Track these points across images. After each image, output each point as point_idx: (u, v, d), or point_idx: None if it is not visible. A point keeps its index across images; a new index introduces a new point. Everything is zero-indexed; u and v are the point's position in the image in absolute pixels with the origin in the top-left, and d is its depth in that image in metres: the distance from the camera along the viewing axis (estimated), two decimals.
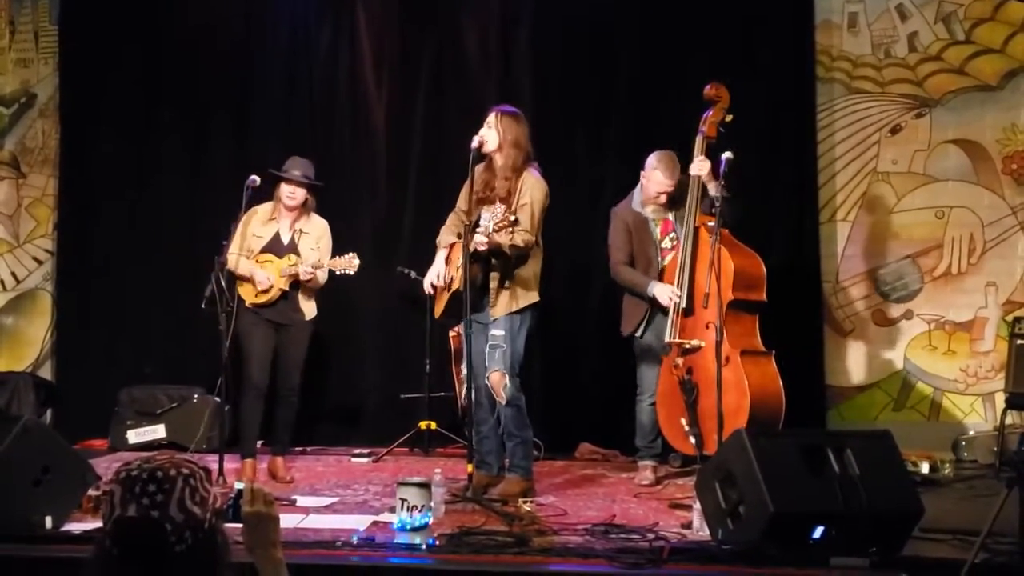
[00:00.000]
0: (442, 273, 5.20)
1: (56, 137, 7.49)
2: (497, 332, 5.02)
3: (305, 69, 7.19)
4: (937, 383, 6.69)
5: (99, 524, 1.98)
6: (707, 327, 5.23)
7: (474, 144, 5.02)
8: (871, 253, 6.78)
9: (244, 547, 2.16)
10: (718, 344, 5.05)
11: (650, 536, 4.12)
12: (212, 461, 5.18)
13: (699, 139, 5.49)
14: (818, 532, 3.74)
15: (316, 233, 5.75)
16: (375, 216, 7.04)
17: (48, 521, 4.16)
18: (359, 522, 4.45)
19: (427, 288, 5.40)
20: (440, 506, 4.52)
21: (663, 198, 5.53)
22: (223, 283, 5.39)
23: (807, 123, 6.74)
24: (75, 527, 4.23)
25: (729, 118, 5.49)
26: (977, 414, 6.61)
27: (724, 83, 5.56)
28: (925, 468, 5.62)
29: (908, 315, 6.74)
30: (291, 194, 5.67)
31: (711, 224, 5.25)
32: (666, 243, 5.62)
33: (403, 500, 4.10)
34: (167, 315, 7.07)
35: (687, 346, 5.33)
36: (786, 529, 3.71)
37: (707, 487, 4.04)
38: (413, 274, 6.52)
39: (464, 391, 5.54)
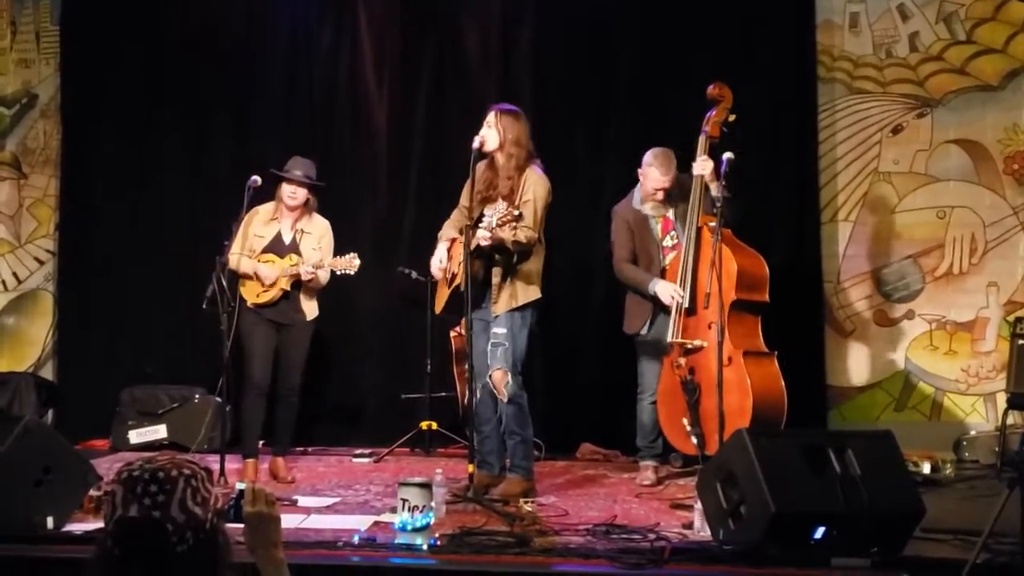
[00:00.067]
0: (443, 259, 5.20)
1: (57, 137, 7.50)
2: (499, 330, 5.02)
3: (306, 69, 7.19)
4: (938, 383, 6.68)
5: (100, 524, 1.98)
6: (709, 327, 5.22)
7: (475, 144, 5.02)
8: (872, 253, 6.78)
9: (245, 547, 2.16)
10: (720, 344, 5.05)
11: (651, 536, 4.12)
12: (213, 461, 5.18)
13: (702, 138, 5.49)
14: (819, 532, 3.74)
15: (318, 233, 5.75)
16: (376, 216, 7.05)
17: (49, 521, 4.16)
18: (360, 522, 4.45)
19: (434, 272, 5.37)
20: (441, 506, 4.52)
21: (660, 194, 5.53)
22: (224, 283, 5.40)
23: (808, 123, 6.74)
24: (76, 527, 4.23)
25: (732, 118, 5.49)
26: (978, 414, 6.60)
27: (727, 83, 5.56)
28: (926, 468, 5.62)
29: (909, 315, 6.74)
30: (292, 194, 5.67)
31: (713, 224, 5.25)
32: (667, 241, 5.63)
33: (404, 500, 4.09)
34: (168, 315, 7.07)
35: (689, 346, 5.33)
36: (787, 529, 3.71)
37: (708, 487, 4.04)
38: (414, 274, 6.53)
39: (466, 391, 5.53)
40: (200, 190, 7.17)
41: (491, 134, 5.06)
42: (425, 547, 3.96)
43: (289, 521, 4.22)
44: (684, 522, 4.42)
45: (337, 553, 3.91)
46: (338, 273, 5.65)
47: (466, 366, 5.21)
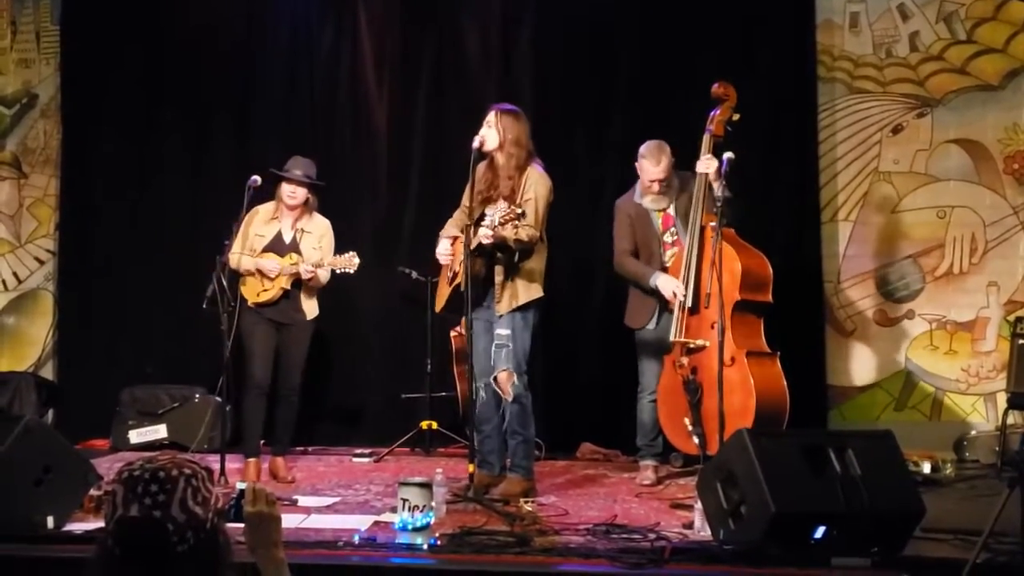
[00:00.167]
0: (447, 250, 5.19)
1: (58, 137, 7.50)
2: (502, 331, 5.02)
3: (306, 69, 7.20)
4: (939, 383, 6.68)
5: (101, 524, 1.98)
6: (712, 327, 5.22)
7: (475, 144, 5.02)
8: (873, 253, 6.78)
9: (246, 547, 2.16)
10: (720, 344, 5.05)
11: (652, 536, 4.12)
12: (213, 461, 5.19)
13: (706, 137, 5.49)
14: (819, 532, 3.74)
15: (318, 232, 5.76)
16: (376, 216, 7.05)
17: (50, 521, 4.16)
18: (360, 522, 4.45)
19: (440, 259, 5.35)
20: (441, 506, 4.52)
21: (655, 186, 5.53)
22: (224, 283, 5.40)
23: (808, 123, 6.74)
24: (77, 527, 4.23)
25: (736, 117, 5.49)
26: (979, 414, 6.60)
27: (731, 81, 5.56)
28: (927, 468, 5.61)
29: (910, 315, 6.74)
30: (292, 193, 5.67)
31: (714, 224, 5.25)
32: (667, 237, 5.63)
33: (404, 500, 4.10)
34: (168, 315, 7.07)
35: (692, 345, 5.33)
36: (788, 529, 3.71)
37: (708, 487, 4.04)
38: (414, 274, 6.54)
39: (466, 391, 5.53)
40: (200, 190, 7.18)
41: (491, 134, 5.06)
42: (425, 547, 3.96)
43: (289, 521, 4.22)
44: (684, 522, 4.41)
45: (337, 553, 3.91)
46: (338, 272, 5.65)
47: (466, 366, 5.21)
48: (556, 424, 6.33)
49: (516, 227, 4.84)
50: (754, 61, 6.64)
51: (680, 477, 5.67)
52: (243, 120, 7.21)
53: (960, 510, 4.66)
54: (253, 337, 5.64)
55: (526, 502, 4.91)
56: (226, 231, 5.57)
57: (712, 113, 5.51)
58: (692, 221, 5.43)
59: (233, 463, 5.55)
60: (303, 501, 4.95)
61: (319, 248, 5.71)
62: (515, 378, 5.00)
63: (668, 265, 5.57)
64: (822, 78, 6.80)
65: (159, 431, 6.70)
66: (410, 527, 4.01)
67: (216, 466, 5.21)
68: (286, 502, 4.79)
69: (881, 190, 6.78)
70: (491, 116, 5.09)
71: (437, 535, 4.07)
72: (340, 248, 5.72)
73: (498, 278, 5.03)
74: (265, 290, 5.64)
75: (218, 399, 5.92)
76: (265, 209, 5.76)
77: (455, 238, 5.20)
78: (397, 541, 4.02)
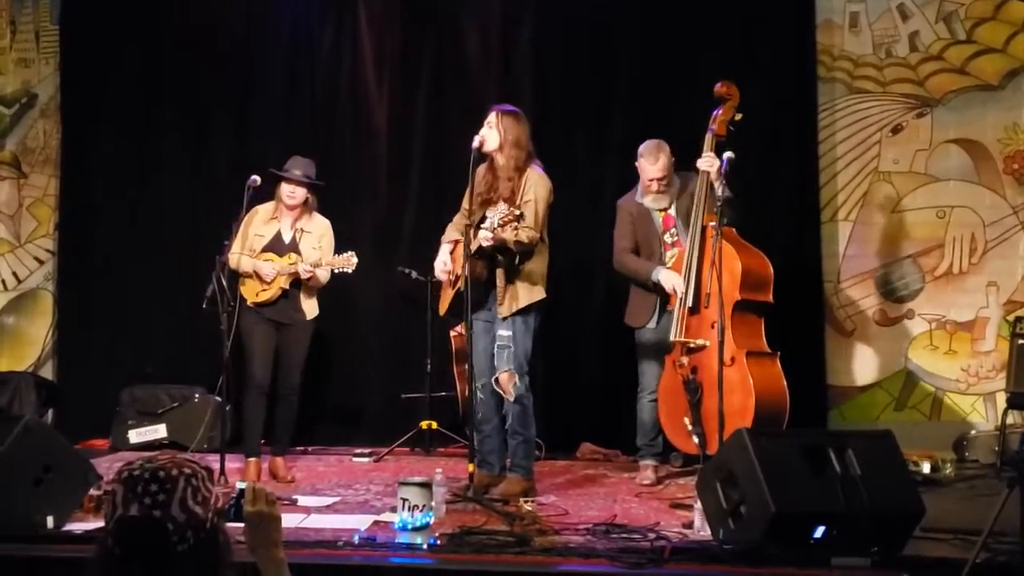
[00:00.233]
0: (447, 261, 5.19)
1: (57, 137, 7.50)
2: (504, 332, 5.02)
3: (306, 68, 7.20)
4: (938, 383, 6.68)
5: (101, 524, 1.98)
6: (712, 327, 5.22)
7: (475, 144, 5.02)
8: (872, 253, 6.78)
9: (246, 547, 2.16)
10: (720, 344, 5.05)
11: (651, 536, 4.12)
12: (213, 461, 5.19)
13: (708, 137, 5.49)
14: (819, 532, 3.74)
15: (318, 232, 5.76)
16: (376, 216, 7.05)
17: (49, 521, 4.16)
18: (360, 522, 4.45)
19: (438, 275, 5.36)
20: (441, 506, 4.52)
21: (654, 185, 5.54)
22: (224, 283, 5.40)
23: (808, 123, 6.74)
24: (76, 527, 4.23)
25: (739, 116, 5.49)
26: (978, 414, 6.60)
27: (734, 81, 5.56)
28: (926, 468, 5.61)
29: (909, 315, 6.74)
30: (291, 193, 5.67)
31: (714, 224, 5.24)
32: (667, 238, 5.62)
33: (404, 500, 4.10)
34: (168, 315, 7.07)
35: (692, 345, 5.33)
36: (787, 529, 3.71)
37: (708, 487, 4.04)
38: (414, 274, 6.54)
39: (467, 391, 5.53)
40: (200, 190, 7.17)
41: (491, 134, 5.06)
42: (425, 546, 3.96)
43: (289, 521, 4.22)
44: (684, 522, 4.41)
45: (337, 553, 3.91)
46: (336, 271, 5.65)
47: (466, 366, 5.21)
48: (556, 424, 6.33)
49: (516, 229, 4.84)
50: (754, 61, 6.63)
51: (680, 477, 5.67)
52: (243, 119, 7.21)
53: (960, 510, 4.66)
54: (253, 337, 5.65)
55: (526, 502, 4.91)
56: (226, 231, 5.58)
57: (714, 112, 5.51)
58: (693, 221, 5.43)
59: (233, 463, 5.56)
60: (303, 501, 4.95)
61: (318, 248, 5.71)
62: (517, 379, 5.00)
63: (669, 266, 5.57)
64: (822, 78, 6.80)
65: (159, 431, 6.70)
66: (410, 527, 4.01)
67: (216, 466, 5.21)
68: (286, 502, 4.79)
69: (881, 190, 6.78)
70: (492, 117, 5.09)
71: (437, 535, 4.07)
72: (340, 248, 5.72)
73: (500, 281, 5.02)
74: (264, 290, 5.64)
75: (218, 399, 5.92)
76: (265, 209, 5.76)
77: (456, 242, 5.19)
78: (397, 541, 4.02)
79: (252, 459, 5.63)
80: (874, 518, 3.76)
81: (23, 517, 4.08)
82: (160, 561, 1.85)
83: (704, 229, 5.39)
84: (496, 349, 5.03)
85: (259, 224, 5.73)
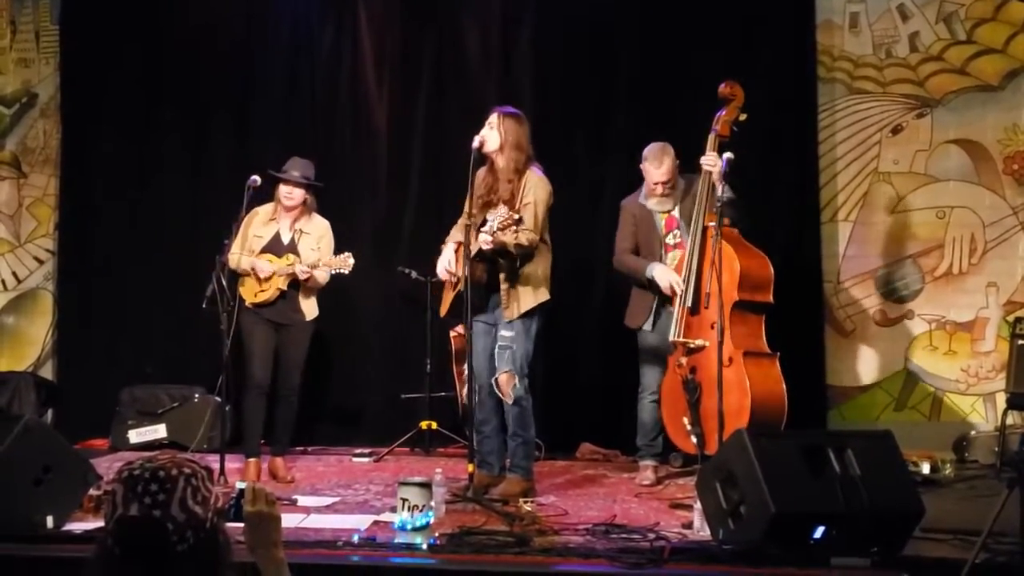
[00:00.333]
0: (452, 260, 5.19)
1: (57, 137, 7.50)
2: (507, 333, 5.02)
3: (306, 68, 7.20)
4: (938, 383, 6.68)
5: (100, 524, 1.98)
6: (711, 327, 5.22)
7: (475, 144, 5.02)
8: (872, 253, 6.78)
9: (246, 547, 2.16)
10: (720, 344, 5.05)
11: (651, 536, 4.12)
12: (213, 461, 5.18)
13: (712, 137, 5.48)
14: (819, 532, 3.74)
15: (317, 233, 5.75)
16: (375, 216, 7.05)
17: (49, 521, 4.16)
18: (360, 522, 4.45)
19: (441, 275, 5.37)
20: (441, 506, 4.52)
21: (659, 188, 5.54)
22: (224, 283, 5.40)
23: (808, 123, 6.74)
24: (76, 527, 4.23)
25: (743, 117, 5.49)
26: (978, 414, 6.61)
27: (739, 81, 5.55)
28: (926, 468, 5.61)
29: (909, 315, 6.74)
30: (289, 194, 5.67)
31: (714, 224, 5.25)
32: (669, 239, 5.62)
33: (404, 500, 4.10)
34: (168, 315, 7.07)
35: (691, 345, 5.33)
36: (787, 529, 3.71)
37: (708, 487, 4.04)
38: (414, 274, 6.54)
39: (466, 391, 5.53)
40: (200, 190, 7.18)
41: (492, 135, 5.05)
42: (425, 547, 3.96)
43: (289, 521, 4.22)
44: (684, 522, 4.42)
45: (337, 553, 3.91)
46: (332, 272, 5.64)
47: (466, 366, 5.21)
48: (556, 424, 6.33)
49: (515, 232, 4.85)
50: (754, 61, 6.63)
51: (679, 477, 5.67)
52: (243, 119, 7.21)
53: (959, 510, 4.66)
54: (252, 337, 5.65)
55: (525, 502, 4.91)
56: (226, 231, 5.58)
57: (718, 113, 5.51)
58: (695, 221, 5.43)
59: (233, 463, 5.56)
60: (303, 501, 4.95)
61: (317, 249, 5.71)
62: (516, 380, 5.00)
63: (669, 264, 5.57)
64: (822, 78, 6.80)
65: (159, 431, 6.70)
66: (409, 527, 4.01)
67: (216, 466, 5.21)
68: (286, 502, 4.79)
69: (881, 190, 6.78)
70: (493, 118, 5.09)
71: (436, 535, 4.07)
72: (340, 248, 5.72)
73: (503, 285, 5.02)
74: (262, 291, 5.64)
75: (218, 399, 5.92)
76: (264, 210, 5.76)
77: (459, 244, 5.18)
78: (397, 541, 4.02)
79: (252, 459, 5.63)
80: (874, 518, 3.76)
81: (23, 517, 4.08)
82: (160, 561, 1.85)
83: (705, 229, 5.39)
84: (497, 349, 5.03)
85: (258, 225, 5.73)
